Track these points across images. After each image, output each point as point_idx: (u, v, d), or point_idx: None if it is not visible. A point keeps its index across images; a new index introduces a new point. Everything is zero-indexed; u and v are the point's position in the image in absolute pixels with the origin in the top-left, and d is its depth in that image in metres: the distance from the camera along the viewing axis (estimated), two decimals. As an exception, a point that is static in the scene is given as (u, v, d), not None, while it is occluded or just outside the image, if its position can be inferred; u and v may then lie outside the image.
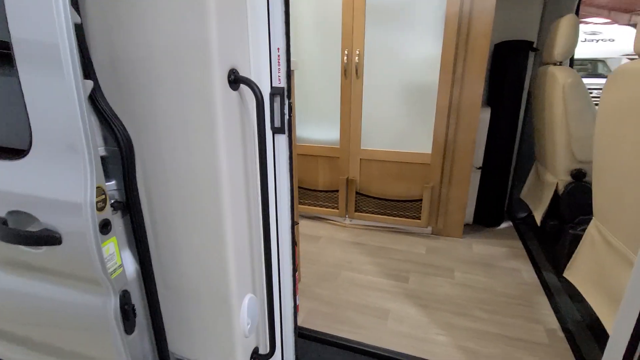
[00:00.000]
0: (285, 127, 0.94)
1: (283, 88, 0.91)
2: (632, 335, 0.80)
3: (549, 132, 1.82)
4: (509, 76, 2.15)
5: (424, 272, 1.82)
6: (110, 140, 0.81)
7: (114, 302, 0.79)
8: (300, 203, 2.51)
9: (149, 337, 0.98)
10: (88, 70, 0.76)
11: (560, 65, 1.80)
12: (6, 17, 0.64)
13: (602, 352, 1.27)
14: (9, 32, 0.64)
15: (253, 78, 0.86)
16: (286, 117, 0.93)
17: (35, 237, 0.73)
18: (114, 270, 0.78)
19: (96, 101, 0.76)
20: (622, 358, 0.82)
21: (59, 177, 0.71)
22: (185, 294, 0.93)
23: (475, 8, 1.82)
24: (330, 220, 2.45)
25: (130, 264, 0.89)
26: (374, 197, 2.29)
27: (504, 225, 2.38)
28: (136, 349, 0.90)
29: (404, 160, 2.15)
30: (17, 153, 0.73)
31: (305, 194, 2.47)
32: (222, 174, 0.78)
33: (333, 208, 2.41)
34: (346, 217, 2.41)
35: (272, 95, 0.91)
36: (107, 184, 0.78)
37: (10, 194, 0.74)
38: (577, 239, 1.58)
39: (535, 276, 1.78)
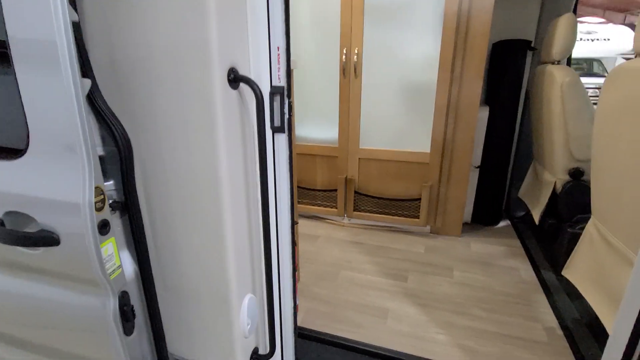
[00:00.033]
0: (285, 126, 0.93)
1: (283, 87, 0.90)
2: (632, 334, 0.80)
3: (547, 131, 1.82)
4: (507, 75, 2.16)
5: (423, 271, 1.82)
6: (109, 139, 0.80)
7: (113, 304, 0.78)
8: (298, 202, 2.50)
9: (147, 338, 0.97)
10: (86, 68, 0.75)
11: (558, 64, 1.80)
12: (3, 15, 0.63)
13: (601, 350, 1.27)
14: (5, 30, 0.63)
15: (253, 77, 0.86)
16: (286, 116, 0.93)
17: (32, 238, 0.72)
18: (113, 271, 0.77)
19: (94, 100, 0.76)
20: (621, 357, 0.82)
21: (56, 177, 0.70)
22: (184, 294, 0.93)
23: (474, 7, 1.82)
24: (328, 219, 2.45)
25: (128, 265, 0.88)
26: (373, 197, 2.29)
27: (502, 224, 2.39)
28: (135, 350, 0.89)
29: (403, 159, 2.15)
30: (14, 153, 0.72)
31: (304, 193, 2.47)
32: (222, 173, 0.78)
33: (331, 207, 2.41)
34: (345, 217, 2.40)
35: (272, 94, 0.91)
36: (105, 184, 0.77)
37: (7, 195, 0.73)
38: (575, 238, 1.59)
39: (534, 275, 1.78)
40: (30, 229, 0.74)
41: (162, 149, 0.79)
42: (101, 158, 0.81)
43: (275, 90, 0.90)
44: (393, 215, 2.27)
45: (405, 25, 1.95)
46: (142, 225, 0.86)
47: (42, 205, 0.71)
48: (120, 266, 0.80)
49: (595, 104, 1.40)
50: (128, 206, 0.83)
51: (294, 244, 1.07)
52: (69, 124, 0.66)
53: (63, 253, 0.73)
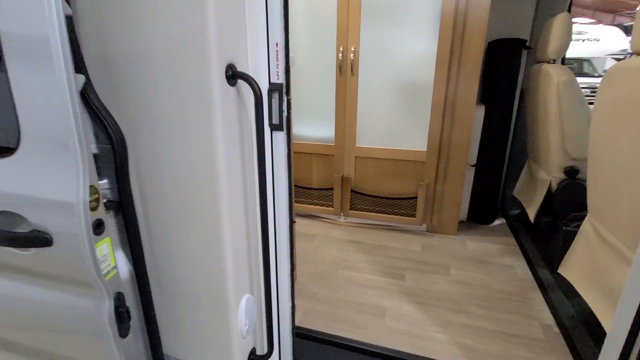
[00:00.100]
0: (284, 124, 0.92)
1: (281, 84, 0.89)
2: (630, 333, 0.80)
3: (543, 130, 1.83)
4: (503, 74, 2.16)
5: (420, 269, 1.82)
6: (102, 137, 0.78)
7: (108, 305, 0.76)
8: (294, 201, 2.49)
9: (143, 340, 0.95)
10: (79, 64, 0.73)
11: (553, 63, 1.81)
12: (-8, 7, 0.60)
13: (597, 347, 1.28)
14: (-5, 23, 0.61)
15: (251, 74, 0.84)
16: (284, 113, 0.91)
17: (24, 239, 0.70)
18: (108, 272, 0.75)
19: (87, 97, 0.74)
20: (619, 355, 0.83)
21: (49, 175, 0.68)
22: (180, 294, 0.91)
23: (471, 5, 1.82)
24: (325, 218, 2.44)
25: (123, 265, 0.86)
26: (369, 195, 2.29)
27: (497, 222, 2.40)
28: (130, 352, 0.87)
29: (399, 157, 2.15)
30: (4, 151, 0.70)
31: (300, 192, 2.46)
32: (220, 172, 0.76)
33: (328, 206, 2.40)
34: (341, 215, 2.40)
35: (270, 92, 0.89)
36: (99, 182, 0.75)
37: (-2, 194, 0.71)
38: (570, 236, 1.60)
39: (529, 272, 1.79)
40: (22, 229, 0.72)
41: (158, 147, 0.77)
42: (95, 156, 0.79)
43: (273, 88, 0.89)
44: (389, 214, 2.27)
45: (402, 23, 1.95)
46: (137, 224, 0.84)
47: (34, 204, 0.69)
48: (115, 267, 0.78)
49: (591, 103, 1.41)
50: (122, 205, 0.81)
51: (292, 243, 1.06)
52: (62, 121, 0.64)
53: (56, 254, 0.71)
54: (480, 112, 2.17)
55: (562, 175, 1.78)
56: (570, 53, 2.08)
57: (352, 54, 2.04)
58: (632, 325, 0.80)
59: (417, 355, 1.25)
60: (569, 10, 2.11)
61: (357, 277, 1.74)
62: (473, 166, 2.28)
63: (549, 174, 1.84)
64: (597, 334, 1.34)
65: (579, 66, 7.55)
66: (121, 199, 0.81)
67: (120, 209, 0.82)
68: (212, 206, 0.79)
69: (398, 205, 2.25)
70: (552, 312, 1.48)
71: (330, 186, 2.36)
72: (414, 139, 2.11)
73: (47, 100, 0.64)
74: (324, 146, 2.29)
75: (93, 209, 0.69)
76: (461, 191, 2.12)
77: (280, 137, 0.94)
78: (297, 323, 1.41)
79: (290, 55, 0.91)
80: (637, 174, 0.99)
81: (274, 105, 0.91)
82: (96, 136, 0.80)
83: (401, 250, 2.01)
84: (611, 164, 1.13)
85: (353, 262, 1.89)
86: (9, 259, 0.77)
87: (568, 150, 1.71)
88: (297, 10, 2.11)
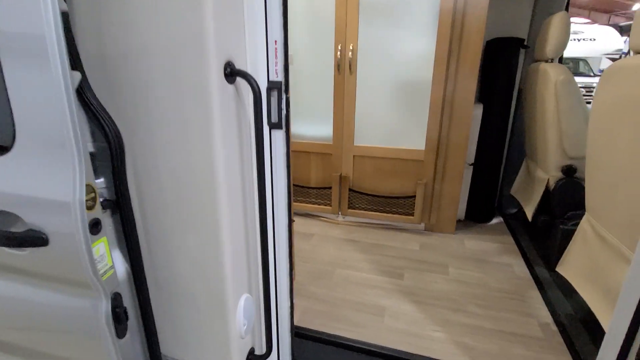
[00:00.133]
0: (283, 122, 0.91)
1: (280, 82, 0.88)
2: (628, 331, 0.80)
3: (541, 129, 1.83)
4: (501, 73, 2.16)
5: (418, 268, 1.82)
6: (99, 135, 0.77)
7: (105, 305, 0.75)
8: (292, 200, 2.48)
9: (140, 340, 0.94)
10: (75, 61, 0.71)
11: (551, 62, 1.81)
12: (-15, 3, 0.59)
13: (595, 345, 1.29)
14: (-12, 18, 0.60)
15: (249, 72, 0.83)
16: (283, 112, 0.91)
17: (19, 239, 0.69)
18: (105, 272, 0.75)
19: (84, 94, 0.73)
20: (618, 354, 0.83)
21: (44, 174, 0.67)
22: (178, 294, 0.90)
23: (469, 4, 1.81)
24: (323, 217, 2.44)
25: (120, 265, 0.86)
26: (367, 194, 2.29)
27: (494, 221, 2.41)
28: (128, 352, 0.86)
29: (397, 156, 2.15)
30: (-1, 149, 0.69)
31: (298, 191, 2.45)
32: (218, 170, 0.76)
33: (326, 205, 2.39)
34: (339, 214, 2.39)
35: (269, 90, 0.89)
36: (96, 181, 0.74)
37: (-8, 193, 0.70)
38: (568, 234, 1.61)
39: (527, 271, 1.80)
40: (17, 229, 0.71)
41: (155, 145, 0.77)
42: (91, 155, 0.78)
43: (272, 85, 0.88)
44: (387, 213, 2.27)
45: (400, 22, 1.94)
46: (134, 223, 0.84)
47: (29, 203, 0.68)
48: (112, 266, 0.77)
49: (587, 103, 1.41)
50: (120, 204, 0.80)
51: (290, 242, 1.06)
52: (57, 119, 0.63)
53: (52, 254, 0.70)
54: (478, 111, 2.18)
55: (559, 174, 1.78)
56: (566, 52, 2.09)
57: (350, 53, 2.03)
58: (631, 324, 0.80)
59: (415, 354, 1.25)
60: (567, 9, 2.11)
61: (355, 276, 1.74)
62: (471, 165, 2.28)
63: (547, 173, 1.84)
64: (595, 331, 1.35)
65: (575, 66, 7.59)
66: (118, 198, 0.80)
67: (117, 208, 0.81)
68: (210, 205, 0.78)
69: (396, 204, 2.25)
70: (550, 311, 1.49)
71: (328, 185, 2.35)
72: (412, 137, 2.10)
73: (43, 97, 0.63)
74: (322, 145, 2.28)
75: (89, 208, 0.68)
76: (459, 190, 2.12)
77: (279, 135, 0.93)
78: (295, 322, 1.41)
79: (289, 53, 0.90)
80: (635, 173, 1.00)
81: (272, 104, 0.90)
82: (93, 135, 0.78)
83: (399, 249, 2.01)
84: (609, 163, 1.13)
85: (351, 261, 1.88)
86: (4, 259, 0.76)
87: (566, 149, 1.71)
88: (296, 8, 2.10)
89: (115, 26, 0.70)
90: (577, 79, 1.74)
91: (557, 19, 1.73)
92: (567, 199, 1.75)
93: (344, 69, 2.08)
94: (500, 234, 2.22)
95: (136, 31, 0.69)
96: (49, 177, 0.67)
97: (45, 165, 0.67)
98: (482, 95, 2.27)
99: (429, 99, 2.00)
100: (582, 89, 5.35)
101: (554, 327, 1.39)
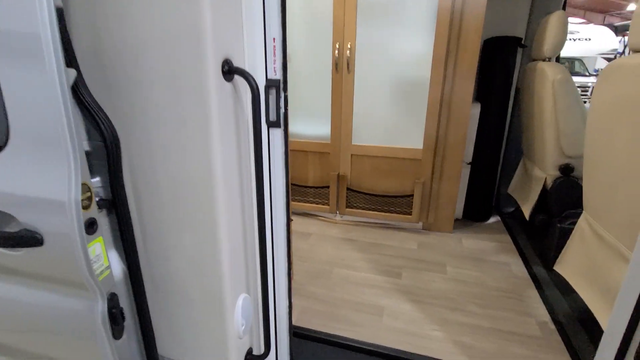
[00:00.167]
0: (281, 120, 0.91)
1: (279, 80, 0.87)
2: (627, 331, 0.80)
3: (538, 128, 1.84)
4: (498, 72, 2.17)
5: (416, 267, 1.82)
6: (95, 134, 0.76)
7: (101, 306, 0.74)
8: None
9: (137, 341, 0.93)
10: (70, 58, 0.70)
11: (549, 61, 1.82)
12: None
13: (593, 344, 1.29)
14: (-19, 14, 0.59)
15: (247, 69, 0.83)
16: (282, 110, 0.90)
17: (13, 238, 0.68)
18: (101, 272, 0.74)
19: (79, 92, 0.71)
20: (616, 353, 0.83)
21: (39, 173, 0.66)
22: (175, 294, 0.89)
23: (467, 3, 1.81)
24: (320, 216, 2.43)
25: (117, 265, 0.84)
26: (365, 193, 2.28)
27: (492, 219, 2.41)
28: (124, 353, 0.85)
29: (395, 155, 2.14)
30: (-8, 147, 0.67)
31: (295, 190, 2.44)
32: (216, 169, 0.75)
33: (323, 204, 2.39)
34: (337, 214, 2.39)
35: (268, 88, 0.88)
36: (91, 180, 0.73)
37: (-15, 192, 0.69)
38: (565, 233, 1.61)
39: (525, 270, 1.80)
40: (11, 229, 0.70)
41: (152, 144, 0.76)
42: (87, 153, 0.77)
43: (270, 84, 0.88)
44: (385, 212, 2.27)
45: (398, 21, 1.94)
46: (131, 223, 0.82)
47: (23, 203, 0.67)
48: (108, 267, 0.76)
49: (584, 102, 1.42)
50: (116, 204, 0.79)
51: (289, 241, 1.05)
52: (52, 117, 0.62)
53: (47, 254, 0.69)
54: (475, 110, 2.18)
55: (557, 173, 1.79)
56: (562, 52, 2.10)
57: (348, 51, 2.03)
58: (629, 323, 0.80)
59: (414, 354, 1.25)
60: (564, 9, 2.11)
61: (353, 276, 1.73)
62: (469, 164, 2.29)
63: (544, 172, 1.85)
64: (593, 330, 1.35)
65: (571, 65, 7.63)
66: (114, 198, 0.78)
67: (114, 208, 0.80)
68: (208, 204, 0.77)
69: (394, 203, 2.25)
70: (547, 309, 1.49)
71: (326, 184, 2.35)
72: (410, 136, 2.10)
73: (37, 95, 0.62)
74: (319, 144, 2.27)
75: (85, 207, 0.67)
76: (457, 189, 2.12)
77: (277, 134, 0.92)
78: (293, 322, 1.40)
79: (287, 51, 0.90)
80: (634, 172, 1.00)
81: (271, 102, 0.89)
82: (88, 133, 0.77)
83: (397, 248, 2.01)
84: (608, 162, 1.13)
85: (349, 260, 1.88)
86: (-3, 259, 0.75)
87: (563, 148, 1.72)
88: (294, 9, 2.09)
89: (111, 22, 0.69)
90: (573, 79, 1.75)
91: (554, 18, 1.73)
92: (565, 198, 1.76)
93: (342, 67, 2.07)
94: (497, 232, 2.22)
95: (132, 27, 0.68)
96: (44, 176, 0.65)
97: (40, 163, 0.65)
98: (480, 95, 2.27)
99: (427, 98, 2.00)
100: (578, 89, 5.37)
101: (552, 326, 1.39)
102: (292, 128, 2.31)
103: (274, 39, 0.84)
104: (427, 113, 2.01)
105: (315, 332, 1.34)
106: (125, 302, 0.87)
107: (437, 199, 2.17)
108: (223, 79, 0.73)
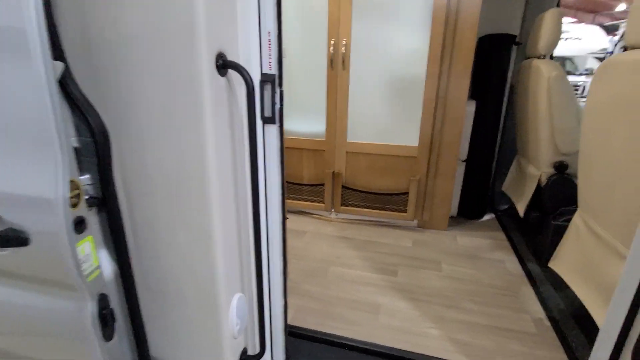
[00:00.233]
0: (276, 116, 0.89)
1: (274, 75, 0.86)
2: (622, 328, 0.80)
3: (533, 125, 1.84)
4: (493, 70, 2.17)
5: (412, 265, 1.81)
6: (84, 130, 0.73)
7: (91, 307, 0.72)
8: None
9: (129, 342, 0.91)
10: (57, 51, 0.68)
11: (543, 58, 1.82)
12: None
13: (587, 338, 1.30)
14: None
15: (242, 63, 0.80)
16: (277, 106, 0.88)
17: (-2, 238, 0.65)
18: (91, 273, 0.71)
19: (67, 86, 0.69)
20: (612, 351, 0.83)
21: (25, 170, 0.63)
22: (168, 294, 0.87)
23: (463, 0, 1.80)
24: (315, 214, 2.42)
25: (107, 265, 0.82)
26: (360, 191, 2.27)
27: (486, 217, 2.42)
28: (115, 355, 0.83)
29: (391, 153, 2.14)
30: (-26, 143, 0.65)
31: (290, 188, 2.42)
32: (210, 166, 0.73)
33: (318, 202, 2.37)
34: (332, 211, 2.37)
35: (262, 83, 0.86)
36: (80, 178, 0.71)
37: (-32, 190, 0.66)
38: (559, 230, 1.62)
39: (519, 267, 1.81)
40: (-4, 228, 0.67)
41: (144, 140, 0.73)
42: (76, 150, 0.74)
43: (265, 79, 0.86)
44: (380, 210, 2.26)
45: (393, 18, 1.93)
46: (122, 221, 0.80)
47: (9, 201, 0.65)
48: (98, 267, 0.74)
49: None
50: (106, 202, 0.76)
51: (284, 239, 1.04)
52: (38, 111, 0.60)
53: (33, 254, 0.67)
54: (470, 107, 2.18)
55: (551, 170, 1.79)
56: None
57: (343, 48, 2.01)
58: (625, 321, 0.80)
59: (411, 352, 1.24)
60: (558, 6, 2.12)
61: (349, 274, 1.72)
62: (464, 162, 2.29)
63: (539, 169, 1.85)
64: (587, 326, 1.36)
65: (562, 64, 7.70)
66: (104, 195, 0.76)
67: (104, 206, 0.78)
68: (201, 202, 0.75)
69: (389, 201, 2.24)
70: (542, 306, 1.50)
71: (321, 182, 2.33)
72: (406, 134, 2.10)
73: (23, 89, 0.59)
74: (314, 141, 2.26)
75: (74, 205, 0.65)
76: (452, 186, 2.12)
77: (272, 130, 0.91)
78: (289, 321, 1.39)
79: (282, 45, 0.88)
80: (630, 170, 1.00)
81: (266, 97, 0.87)
82: (77, 129, 0.75)
83: (392, 246, 2.01)
84: (604, 159, 1.13)
85: (345, 258, 1.87)
86: (-18, 259, 0.72)
87: (558, 145, 1.72)
88: (288, 2, 2.07)
89: (100, 13, 0.66)
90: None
91: (549, 16, 1.73)
92: (559, 195, 1.76)
93: (337, 64, 2.05)
94: (492, 230, 2.23)
95: (123, 19, 0.66)
96: (30, 173, 0.63)
97: (26, 160, 0.63)
98: (475, 92, 2.27)
99: (422, 95, 1.99)
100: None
101: (547, 323, 1.39)
102: (286, 125, 2.29)
103: (269, 32, 0.82)
104: (423, 110, 2.01)
105: (310, 331, 1.33)
106: (117, 303, 0.85)
107: (432, 196, 2.17)
108: (217, 73, 0.71)
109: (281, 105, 0.89)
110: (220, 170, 0.76)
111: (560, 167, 1.76)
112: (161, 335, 0.93)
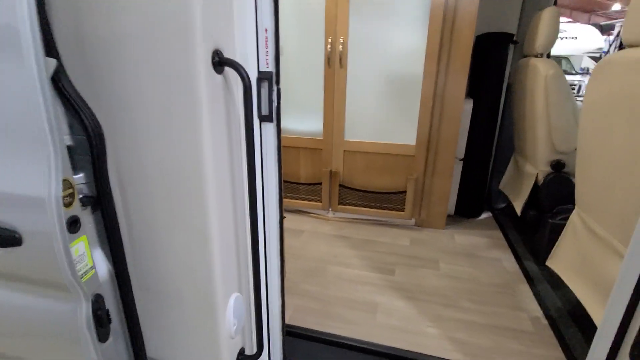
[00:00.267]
0: (274, 115, 0.88)
1: (271, 73, 0.85)
2: (620, 327, 0.80)
3: (530, 124, 1.84)
4: (490, 68, 2.17)
5: (410, 264, 1.81)
6: (77, 127, 0.72)
7: (85, 308, 0.71)
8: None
9: (125, 343, 0.90)
10: (50, 46, 0.66)
11: (541, 57, 1.82)
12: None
13: (584, 336, 1.30)
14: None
15: (239, 61, 0.79)
16: (274, 104, 0.87)
17: (-11, 238, 0.64)
18: (85, 273, 0.70)
19: (60, 83, 0.67)
20: (609, 350, 0.83)
21: (17, 168, 0.62)
22: (165, 294, 0.86)
23: (460, -2, 1.80)
24: (313, 213, 2.41)
25: (102, 265, 0.81)
26: (358, 190, 2.27)
27: (483, 215, 2.42)
28: (111, 357, 0.82)
29: (388, 152, 2.13)
30: (-36, 141, 0.63)
31: (287, 187, 2.41)
32: (206, 164, 0.72)
33: (316, 201, 2.36)
34: (329, 210, 2.37)
35: (260, 80, 0.85)
36: (74, 177, 0.69)
37: (-42, 189, 0.65)
38: (556, 228, 1.62)
39: (516, 265, 1.81)
40: (-13, 228, 0.66)
41: (139, 138, 0.72)
42: (69, 148, 0.73)
43: (263, 76, 0.85)
44: (378, 209, 2.26)
45: (391, 16, 1.92)
46: (117, 221, 0.79)
47: (0, 200, 0.63)
48: (93, 267, 0.72)
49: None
50: (101, 201, 0.75)
51: (281, 239, 1.03)
52: (31, 109, 0.59)
53: (26, 254, 0.65)
54: (468, 106, 2.18)
55: (548, 169, 1.80)
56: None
57: (340, 46, 2.00)
58: (623, 319, 0.80)
59: (409, 351, 1.24)
60: (555, 4, 2.12)
61: (347, 273, 1.72)
62: (461, 160, 2.29)
63: (536, 168, 1.86)
64: (584, 324, 1.37)
65: (557, 63, 7.73)
66: (99, 195, 0.75)
67: (99, 205, 0.76)
68: (198, 201, 0.74)
69: (387, 200, 2.24)
70: (539, 304, 1.50)
71: (318, 181, 2.33)
72: (403, 132, 2.09)
73: (14, 85, 0.58)
74: (312, 140, 2.25)
75: (67, 204, 0.64)
76: (450, 185, 2.12)
77: (269, 128, 0.90)
78: (287, 321, 1.38)
79: (280, 43, 0.87)
80: (629, 168, 1.00)
81: (263, 95, 0.86)
82: (71, 127, 0.73)
83: (390, 245, 2.00)
84: (602, 158, 1.13)
85: (343, 257, 1.87)
86: (-27, 260, 0.70)
87: (555, 144, 1.73)
88: (285, 1, 2.05)
89: (94, 9, 0.65)
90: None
91: (547, 14, 1.73)
92: (556, 194, 1.77)
93: (334, 62, 2.04)
94: (489, 228, 2.23)
95: (117, 14, 0.64)
96: (23, 172, 0.62)
97: (18, 158, 0.62)
98: (472, 90, 2.27)
99: (420, 93, 1.98)
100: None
101: (544, 321, 1.40)
102: (283, 124, 2.28)
103: (266, 29, 0.81)
104: (420, 109, 2.00)
105: (308, 330, 1.32)
106: (112, 304, 0.84)
107: (429, 195, 2.17)
108: (213, 71, 0.70)
109: (278, 103, 0.88)
110: (217, 169, 0.75)
111: (558, 166, 1.76)
112: (158, 335, 0.92)
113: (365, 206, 2.28)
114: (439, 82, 1.95)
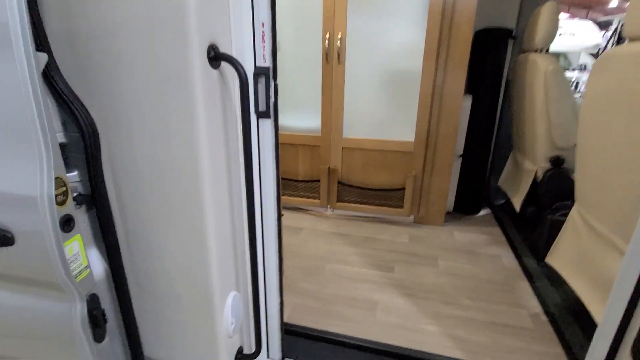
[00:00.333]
0: (271, 111, 0.87)
1: (268, 68, 0.83)
2: (620, 324, 0.80)
3: (529, 119, 1.83)
4: (489, 64, 2.15)
5: (409, 261, 1.80)
6: (71, 125, 0.71)
7: (80, 308, 0.70)
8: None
9: (121, 343, 0.89)
10: (40, 41, 0.65)
11: (540, 52, 1.81)
12: None
13: (584, 333, 1.30)
14: None
15: (235, 56, 0.78)
16: (271, 100, 0.86)
17: (-19, 238, 0.63)
18: (80, 273, 0.69)
19: (51, 78, 0.66)
20: (609, 347, 0.82)
21: (8, 166, 0.60)
22: (162, 293, 0.85)
23: (459, -7, 1.78)
24: (311, 211, 2.40)
25: (98, 264, 0.80)
26: (356, 187, 2.26)
27: (482, 212, 2.42)
28: (107, 356, 0.81)
29: (387, 148, 2.12)
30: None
31: (285, 184, 2.40)
32: (202, 161, 0.70)
33: (314, 198, 2.35)
34: (328, 208, 2.36)
35: (256, 76, 0.84)
36: (68, 175, 0.68)
37: (-52, 188, 0.63)
38: (555, 225, 1.62)
39: (516, 262, 1.81)
40: (-22, 227, 0.65)
41: (133, 135, 0.71)
42: (63, 145, 0.72)
43: (260, 72, 0.83)
44: (377, 206, 2.25)
45: (389, 11, 1.90)
46: (112, 219, 0.78)
47: (-9, 199, 0.62)
48: (87, 266, 0.71)
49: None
50: (95, 199, 0.74)
51: (280, 236, 1.02)
52: (21, 105, 0.57)
53: (19, 254, 0.64)
54: (467, 102, 2.16)
55: (547, 165, 1.79)
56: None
57: (338, 42, 1.98)
58: (624, 316, 0.79)
59: (408, 349, 1.23)
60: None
61: (346, 271, 1.71)
62: (460, 157, 2.28)
63: (535, 164, 1.85)
64: (584, 321, 1.36)
65: (555, 59, 7.72)
66: (93, 193, 0.74)
67: (93, 203, 0.75)
68: (194, 199, 0.73)
69: (385, 197, 2.23)
70: (539, 301, 1.49)
71: (316, 178, 2.31)
72: (402, 129, 2.08)
73: (4, 81, 0.56)
74: (309, 137, 2.23)
75: (61, 203, 0.62)
76: (449, 182, 2.11)
77: (267, 124, 0.88)
78: (285, 319, 1.37)
79: (277, 38, 0.85)
80: (629, 164, 0.99)
81: (260, 91, 0.85)
82: (64, 124, 0.72)
83: (389, 242, 2.00)
84: (601, 153, 1.12)
85: (341, 255, 1.86)
86: (-35, 260, 0.69)
87: (554, 140, 1.72)
88: (282, -4, 2.03)
89: (87, 3, 0.63)
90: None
91: (546, 9, 1.72)
92: (555, 190, 1.76)
93: (332, 58, 2.02)
94: (488, 225, 2.23)
95: (110, 8, 0.63)
96: (14, 170, 0.60)
97: (9, 156, 0.60)
98: (471, 86, 2.26)
99: (419, 90, 1.97)
100: (565, 82, 5.43)
101: (544, 318, 1.39)
102: (281, 120, 2.26)
103: (262, 23, 0.80)
104: (419, 105, 1.99)
105: (307, 329, 1.32)
106: (108, 303, 0.83)
107: (428, 192, 2.16)
108: (209, 66, 0.69)
109: (276, 99, 0.87)
110: (213, 166, 0.74)
111: (557, 162, 1.76)
112: (155, 335, 0.91)
113: (364, 203, 2.27)
114: (438, 78, 1.94)
